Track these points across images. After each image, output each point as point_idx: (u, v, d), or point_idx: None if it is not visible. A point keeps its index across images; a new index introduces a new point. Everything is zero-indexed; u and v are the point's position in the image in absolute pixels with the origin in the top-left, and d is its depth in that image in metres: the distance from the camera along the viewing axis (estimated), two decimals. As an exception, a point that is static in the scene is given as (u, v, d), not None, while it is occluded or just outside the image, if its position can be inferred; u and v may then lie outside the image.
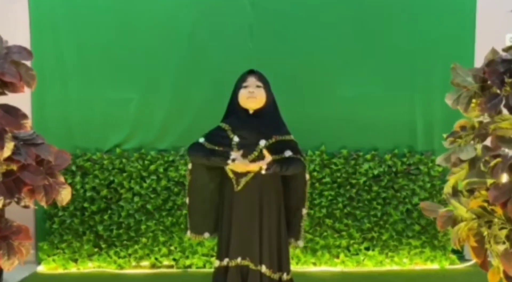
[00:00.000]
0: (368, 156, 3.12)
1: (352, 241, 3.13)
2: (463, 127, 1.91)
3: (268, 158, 2.22)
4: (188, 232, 2.40)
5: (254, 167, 2.23)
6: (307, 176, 2.39)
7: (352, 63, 3.11)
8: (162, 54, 3.08)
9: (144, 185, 3.09)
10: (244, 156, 2.27)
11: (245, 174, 2.28)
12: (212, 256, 3.07)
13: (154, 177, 3.09)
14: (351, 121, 3.12)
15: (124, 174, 3.09)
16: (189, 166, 2.36)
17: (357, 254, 3.14)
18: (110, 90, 3.09)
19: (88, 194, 3.09)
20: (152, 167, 3.09)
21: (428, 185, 3.12)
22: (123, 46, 3.07)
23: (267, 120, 2.33)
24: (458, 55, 2.99)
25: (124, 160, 3.10)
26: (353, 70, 3.11)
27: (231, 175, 2.30)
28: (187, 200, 2.40)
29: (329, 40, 3.10)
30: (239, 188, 2.29)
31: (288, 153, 2.30)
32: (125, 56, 3.08)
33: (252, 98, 2.29)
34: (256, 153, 2.31)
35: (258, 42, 3.09)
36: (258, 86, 2.31)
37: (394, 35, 3.11)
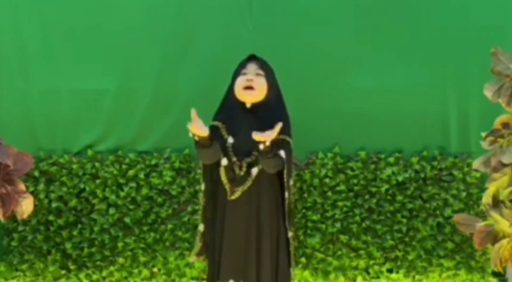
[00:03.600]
0: (391, 159, 3.12)
1: (372, 262, 3.13)
2: (505, 125, 1.92)
3: (273, 134, 2.22)
4: (194, 257, 2.53)
5: (258, 135, 2.23)
6: (286, 194, 2.41)
7: (372, 48, 3.10)
8: (143, 37, 3.07)
9: (121, 194, 3.09)
10: (239, 160, 2.29)
11: (242, 182, 2.30)
12: (203, 279, 3.07)
13: (133, 184, 3.09)
14: (371, 118, 3.11)
15: (97, 181, 3.09)
16: (202, 186, 2.43)
17: (378, 277, 3.14)
18: (81, 80, 3.09)
19: (54, 204, 3.09)
20: (131, 172, 3.09)
21: (464, 194, 3.12)
22: (96, 28, 3.07)
23: (268, 116, 2.34)
24: (500, 38, 2.98)
25: (97, 164, 3.10)
26: (373, 57, 3.11)
27: (224, 180, 2.31)
28: (201, 227, 2.48)
29: (345, 20, 3.09)
30: (234, 196, 2.30)
31: (282, 154, 2.32)
32: (99, 39, 3.07)
33: (249, 90, 2.30)
34: (254, 157, 2.32)
35: (259, 23, 3.08)
36: (258, 75, 2.32)
37: (423, 14, 3.10)
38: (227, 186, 2.33)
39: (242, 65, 2.38)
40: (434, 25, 3.10)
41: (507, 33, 3.08)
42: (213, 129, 2.36)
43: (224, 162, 2.36)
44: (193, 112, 2.24)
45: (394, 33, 3.10)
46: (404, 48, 3.11)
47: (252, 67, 2.34)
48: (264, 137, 2.22)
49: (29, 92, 3.09)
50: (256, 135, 2.22)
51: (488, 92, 1.88)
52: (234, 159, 2.36)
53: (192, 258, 2.58)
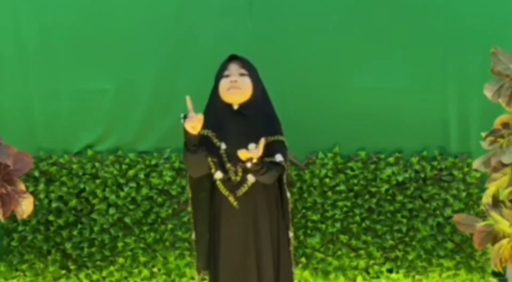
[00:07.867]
0: (391, 159, 3.12)
1: (372, 262, 3.13)
2: (505, 125, 1.91)
3: (260, 151, 2.18)
4: (200, 274, 2.51)
5: (243, 153, 2.18)
6: (288, 194, 2.40)
7: (372, 48, 3.10)
8: (142, 36, 3.07)
9: (121, 194, 3.09)
10: (234, 165, 2.28)
11: (239, 186, 2.29)
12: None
13: (133, 184, 3.09)
14: (371, 118, 3.11)
15: (97, 181, 3.09)
16: (189, 194, 2.41)
17: (378, 277, 3.14)
18: (80, 80, 3.08)
19: (54, 204, 3.09)
20: (130, 172, 3.09)
21: (464, 194, 3.12)
22: (95, 27, 3.06)
23: (256, 117, 2.32)
24: (500, 38, 2.98)
25: (97, 164, 3.10)
26: (373, 57, 3.10)
27: (225, 192, 2.30)
28: (193, 236, 2.45)
29: (346, 20, 3.09)
30: (236, 203, 2.29)
31: (279, 158, 2.30)
32: (98, 39, 3.07)
33: (235, 89, 2.28)
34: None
35: (259, 22, 3.08)
36: (242, 75, 2.31)
37: (423, 14, 3.10)
38: (230, 198, 2.31)
39: (224, 67, 2.34)
40: (434, 25, 3.10)
41: (507, 33, 3.07)
42: (203, 139, 2.30)
43: (219, 175, 2.32)
44: (189, 100, 2.18)
45: (394, 33, 3.09)
46: (404, 48, 3.10)
47: (234, 68, 2.32)
48: (251, 155, 2.16)
49: (29, 93, 3.09)
50: (242, 154, 2.16)
51: (488, 92, 1.88)
52: (229, 165, 2.32)
53: (197, 276, 2.54)
